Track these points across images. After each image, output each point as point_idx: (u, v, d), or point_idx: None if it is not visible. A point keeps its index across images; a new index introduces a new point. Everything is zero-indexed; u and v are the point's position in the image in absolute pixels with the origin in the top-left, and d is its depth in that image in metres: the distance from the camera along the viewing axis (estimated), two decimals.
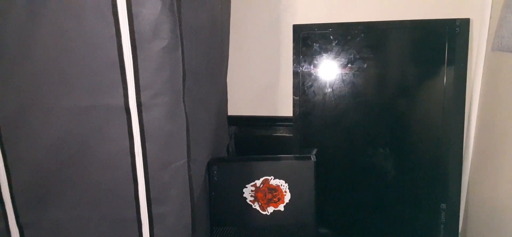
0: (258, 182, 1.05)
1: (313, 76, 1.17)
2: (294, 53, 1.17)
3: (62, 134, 0.80)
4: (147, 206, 0.83)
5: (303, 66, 1.17)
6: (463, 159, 1.13)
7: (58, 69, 0.76)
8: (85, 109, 0.78)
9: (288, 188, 1.04)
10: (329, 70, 1.15)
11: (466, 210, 1.15)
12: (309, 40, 1.15)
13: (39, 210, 0.86)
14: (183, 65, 0.78)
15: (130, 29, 0.72)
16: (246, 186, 1.06)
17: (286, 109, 1.25)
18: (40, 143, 0.81)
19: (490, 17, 1.04)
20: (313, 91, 1.17)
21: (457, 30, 1.07)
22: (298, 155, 1.15)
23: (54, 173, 0.83)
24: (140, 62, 0.74)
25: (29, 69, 0.77)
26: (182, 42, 0.77)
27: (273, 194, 1.05)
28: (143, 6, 0.71)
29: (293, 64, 1.17)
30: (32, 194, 0.85)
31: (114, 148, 0.80)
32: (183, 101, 0.80)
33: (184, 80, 0.80)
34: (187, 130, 0.83)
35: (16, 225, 0.86)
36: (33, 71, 0.77)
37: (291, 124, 1.22)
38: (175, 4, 0.73)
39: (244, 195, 1.06)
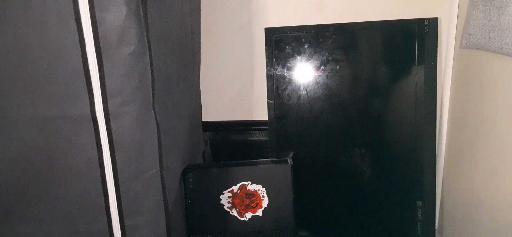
0: (235, 188, 1.04)
1: (287, 79, 1.16)
2: (267, 57, 1.16)
3: (27, 147, 0.77)
4: (119, 218, 0.81)
5: (276, 69, 1.16)
6: (437, 156, 1.14)
7: (20, 79, 0.73)
8: (50, 120, 0.75)
9: (266, 193, 1.03)
10: (302, 72, 1.15)
11: (442, 206, 1.17)
12: (281, 43, 1.15)
13: (5, 227, 0.82)
14: (152, 71, 0.77)
15: (94, 36, 0.69)
16: (223, 192, 1.04)
17: (261, 113, 1.25)
18: (3, 157, 0.78)
19: (458, 16, 1.06)
20: (288, 94, 1.17)
21: (426, 30, 1.08)
22: (275, 159, 1.15)
23: (20, 188, 0.80)
24: (106, 69, 0.72)
25: None
26: (150, 47, 0.75)
27: (250, 200, 1.04)
28: (107, 11, 0.68)
29: (267, 67, 1.17)
30: None
31: (82, 159, 0.77)
32: (153, 108, 0.78)
33: (153, 86, 0.78)
34: (159, 137, 0.81)
35: None
36: None
37: (267, 127, 1.21)
38: (141, 8, 0.71)
39: (221, 202, 1.05)
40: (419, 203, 1.14)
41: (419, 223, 1.15)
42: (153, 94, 0.78)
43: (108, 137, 0.75)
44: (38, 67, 0.72)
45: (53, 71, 0.72)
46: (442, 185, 1.17)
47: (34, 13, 0.69)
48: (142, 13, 0.71)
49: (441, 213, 1.17)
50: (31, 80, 0.73)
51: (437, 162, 1.15)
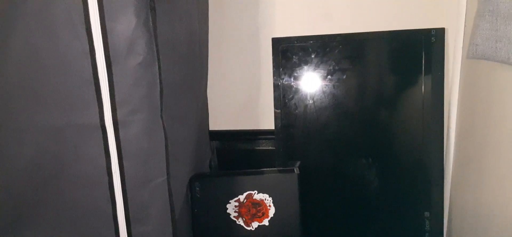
0: (241, 197, 1.04)
1: (293, 89, 1.17)
2: (274, 66, 1.17)
3: (36, 155, 0.78)
4: (126, 226, 0.81)
5: (283, 79, 1.17)
6: (444, 166, 1.13)
7: (30, 88, 0.75)
8: (60, 128, 0.76)
9: (272, 202, 1.03)
10: (309, 82, 1.16)
11: (449, 217, 1.16)
12: (288, 52, 1.15)
13: (12, 233, 0.83)
14: (160, 80, 0.77)
15: (104, 45, 0.71)
16: (230, 201, 1.04)
17: (268, 122, 1.25)
18: (13, 164, 0.79)
19: (465, 26, 1.06)
20: (294, 103, 1.17)
21: (433, 40, 1.08)
22: (281, 168, 1.15)
23: (28, 195, 0.81)
24: (116, 78, 0.73)
25: (0, 88, 0.75)
26: (158, 57, 0.76)
27: (257, 209, 1.04)
28: (117, 22, 0.70)
29: (273, 77, 1.17)
30: (4, 218, 0.82)
31: (90, 167, 0.78)
32: (161, 117, 0.79)
33: (161, 95, 0.78)
34: (166, 146, 0.81)
35: None
36: (4, 90, 0.75)
37: (274, 137, 1.21)
38: (150, 18, 0.72)
39: (227, 211, 1.05)
40: (426, 213, 1.13)
41: (426, 234, 1.14)
42: (161, 103, 0.79)
43: (116, 145, 0.76)
44: (49, 76, 0.73)
45: (63, 80, 0.73)
46: (450, 196, 1.16)
47: (46, 23, 0.71)
48: (151, 24, 0.72)
49: (449, 224, 1.16)
50: (41, 88, 0.74)
51: (444, 172, 1.14)
